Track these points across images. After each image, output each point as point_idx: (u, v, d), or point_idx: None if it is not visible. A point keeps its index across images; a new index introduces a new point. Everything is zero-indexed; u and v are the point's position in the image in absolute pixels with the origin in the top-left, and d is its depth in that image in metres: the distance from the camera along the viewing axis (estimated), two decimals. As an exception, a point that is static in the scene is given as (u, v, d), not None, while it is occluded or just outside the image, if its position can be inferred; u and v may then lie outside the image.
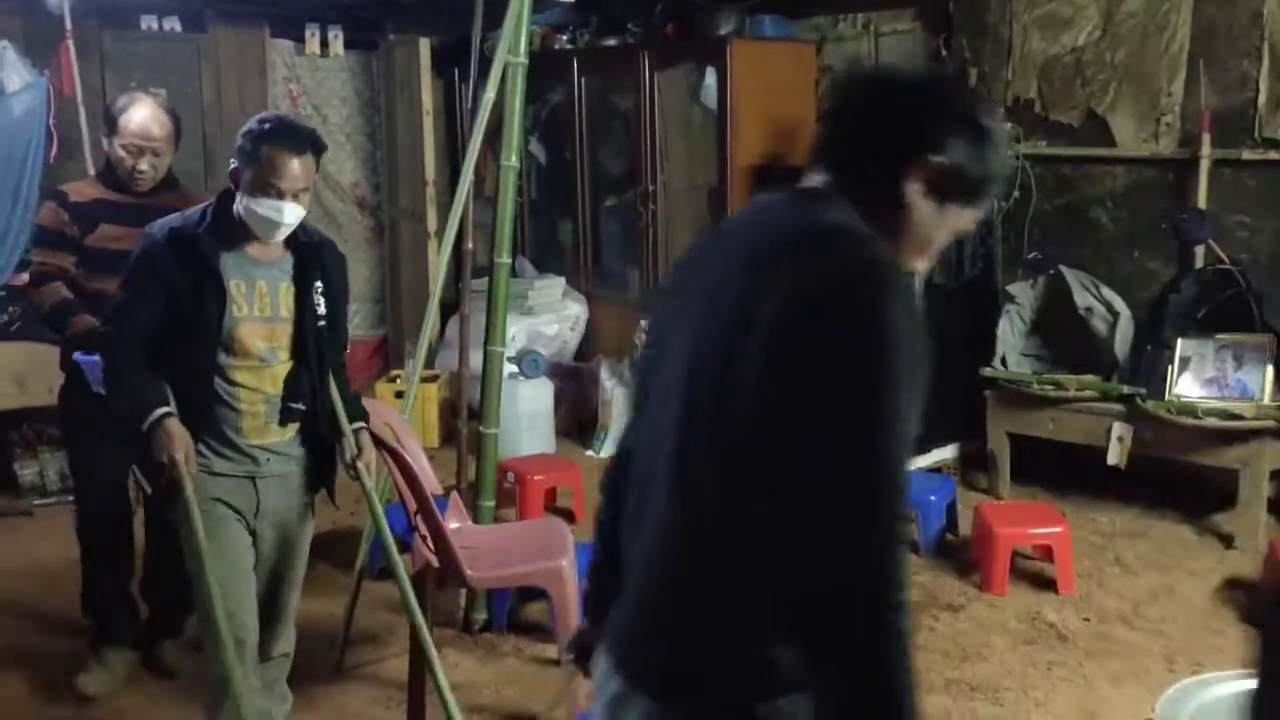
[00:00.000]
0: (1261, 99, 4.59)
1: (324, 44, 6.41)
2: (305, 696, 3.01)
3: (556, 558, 3.17)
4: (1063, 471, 4.81)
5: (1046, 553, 3.97)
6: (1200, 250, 4.64)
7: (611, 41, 6.23)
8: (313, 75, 6.49)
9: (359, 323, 6.78)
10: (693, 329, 1.28)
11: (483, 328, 3.68)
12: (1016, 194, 5.18)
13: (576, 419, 5.87)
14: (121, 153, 3.11)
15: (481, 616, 3.58)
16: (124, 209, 3.09)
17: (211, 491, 2.49)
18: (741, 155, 5.55)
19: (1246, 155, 4.62)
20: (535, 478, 4.49)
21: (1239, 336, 4.39)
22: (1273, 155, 4.56)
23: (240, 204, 2.45)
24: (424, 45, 6.03)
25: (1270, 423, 4.18)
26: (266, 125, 2.47)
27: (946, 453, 5.05)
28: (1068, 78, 5.11)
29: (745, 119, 5.54)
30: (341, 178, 6.62)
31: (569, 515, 4.58)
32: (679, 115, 6.00)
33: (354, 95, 6.61)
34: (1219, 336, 4.41)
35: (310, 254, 2.58)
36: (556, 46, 6.40)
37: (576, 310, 6.22)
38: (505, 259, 3.68)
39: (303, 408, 2.57)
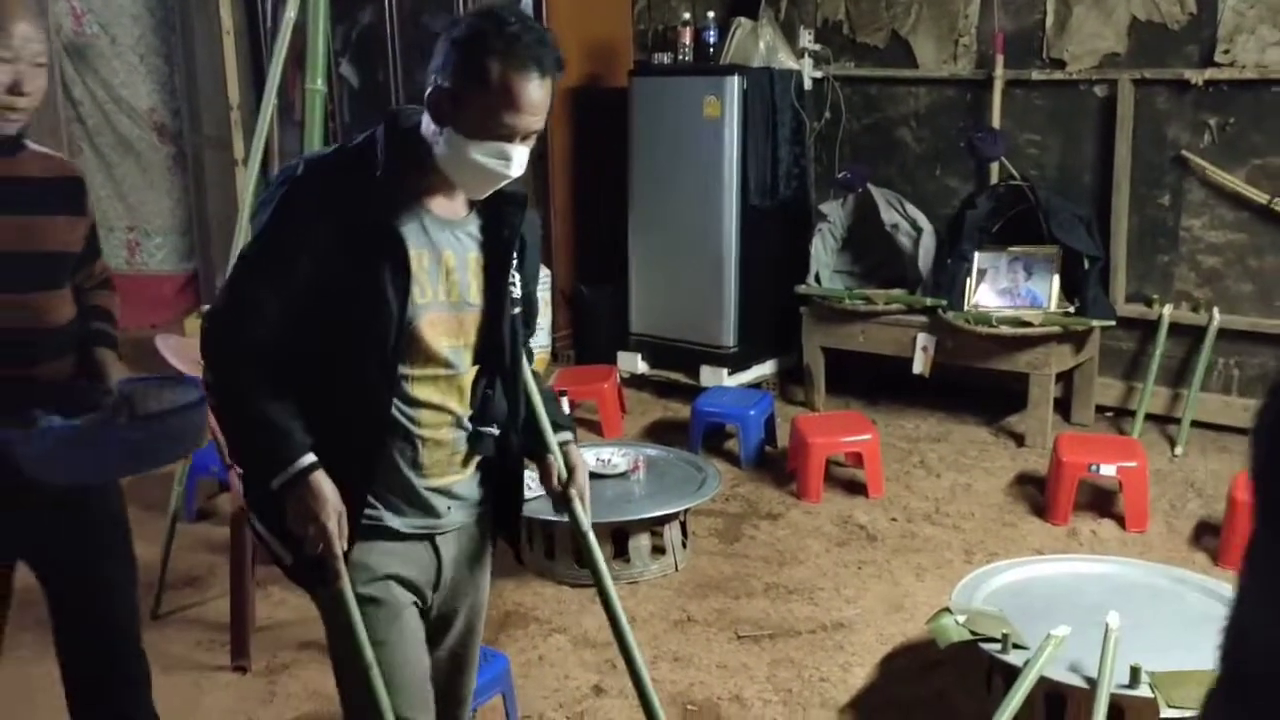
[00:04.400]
0: (1049, 21, 4.83)
1: (109, -43, 5.98)
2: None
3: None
4: (874, 382, 5.06)
5: (858, 459, 4.19)
6: (995, 167, 4.91)
7: (422, -42, 6.02)
8: (98, -9, 6.06)
9: (163, 257, 6.47)
10: None
11: (295, 259, 3.58)
12: (828, 114, 5.33)
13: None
14: None
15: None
16: None
17: (383, 566, 1.76)
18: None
19: (1035, 75, 4.87)
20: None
21: (1029, 248, 4.68)
22: (1058, 75, 4.83)
23: (446, 146, 1.68)
24: (220, -41, 5.71)
25: (1056, 329, 4.49)
26: (499, 31, 1.68)
27: (765, 369, 5.23)
28: (873, 0, 5.25)
29: (562, 40, 5.44)
30: (137, 102, 6.23)
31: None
32: (495, 36, 5.87)
33: (146, 13, 6.19)
34: (1011, 249, 4.69)
35: (506, 210, 1.78)
36: (364, -37, 6.14)
37: (397, 238, 6.10)
38: (315, 187, 3.57)
39: (496, 433, 1.84)
